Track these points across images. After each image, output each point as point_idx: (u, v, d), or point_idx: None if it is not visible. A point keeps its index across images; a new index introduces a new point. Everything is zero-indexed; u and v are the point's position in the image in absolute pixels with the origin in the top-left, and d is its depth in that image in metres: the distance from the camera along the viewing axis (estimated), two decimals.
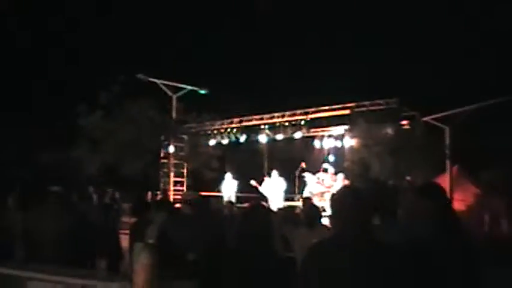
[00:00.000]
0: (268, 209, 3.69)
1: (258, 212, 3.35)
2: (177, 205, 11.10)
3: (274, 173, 15.33)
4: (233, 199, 14.53)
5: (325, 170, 15.14)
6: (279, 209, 9.91)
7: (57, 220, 4.60)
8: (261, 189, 15.18)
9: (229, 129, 17.43)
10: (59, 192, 4.93)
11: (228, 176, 16.30)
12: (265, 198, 11.15)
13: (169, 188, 17.16)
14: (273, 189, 14.81)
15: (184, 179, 17.93)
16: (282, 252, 3.80)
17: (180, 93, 17.02)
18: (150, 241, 3.94)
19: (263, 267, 3.04)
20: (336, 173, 14.75)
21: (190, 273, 3.55)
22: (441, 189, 3.31)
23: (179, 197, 16.53)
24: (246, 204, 4.20)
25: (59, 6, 19.22)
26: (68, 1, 19.93)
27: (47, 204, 4.81)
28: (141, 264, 3.65)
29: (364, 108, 14.39)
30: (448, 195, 11.74)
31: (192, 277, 3.47)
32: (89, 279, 3.64)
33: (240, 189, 16.26)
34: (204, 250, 3.94)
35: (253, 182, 15.57)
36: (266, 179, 15.59)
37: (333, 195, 2.96)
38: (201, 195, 5.65)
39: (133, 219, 6.65)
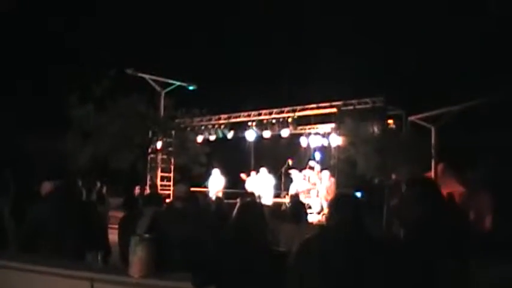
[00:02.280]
0: (261, 204, 3.83)
1: (254, 206, 3.50)
2: (166, 200, 11.20)
3: (263, 170, 15.46)
4: (220, 195, 14.61)
5: (311, 168, 15.32)
6: (267, 205, 10.04)
7: (63, 214, 4.66)
8: (247, 185, 15.30)
9: (217, 125, 17.54)
10: (62, 187, 4.98)
11: (216, 172, 16.37)
12: (252, 194, 11.28)
13: (156, 182, 17.20)
14: (261, 186, 14.93)
15: (171, 174, 17.99)
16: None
17: (168, 89, 17.05)
18: (145, 235, 4.01)
19: (259, 258, 3.17)
20: (321, 171, 14.93)
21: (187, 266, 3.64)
22: (429, 179, 3.59)
23: (167, 192, 16.60)
24: (236, 200, 4.31)
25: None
26: None
27: (52, 199, 4.87)
28: (138, 257, 3.74)
29: (350, 107, 14.55)
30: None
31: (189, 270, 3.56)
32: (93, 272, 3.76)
33: (227, 186, 16.37)
34: (198, 244, 4.04)
35: (243, 176, 15.70)
36: (252, 174, 15.71)
37: (331, 200, 3.25)
38: (192, 190, 5.73)
39: (122, 214, 6.73)
